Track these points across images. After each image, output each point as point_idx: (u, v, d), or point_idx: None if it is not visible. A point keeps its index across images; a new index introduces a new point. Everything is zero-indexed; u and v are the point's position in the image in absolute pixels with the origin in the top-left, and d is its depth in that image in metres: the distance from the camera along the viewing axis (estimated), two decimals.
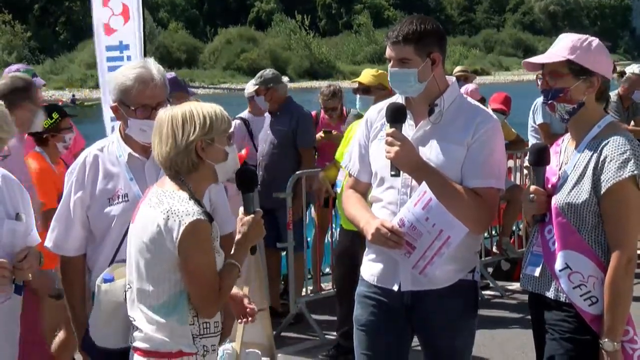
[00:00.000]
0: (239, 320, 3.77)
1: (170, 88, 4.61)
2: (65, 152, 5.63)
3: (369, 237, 3.69)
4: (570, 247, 3.50)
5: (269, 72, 7.86)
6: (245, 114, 8.11)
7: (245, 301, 3.71)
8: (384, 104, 3.83)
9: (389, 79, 3.76)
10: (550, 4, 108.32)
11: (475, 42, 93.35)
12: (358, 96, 6.56)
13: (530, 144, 9.47)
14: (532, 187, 3.61)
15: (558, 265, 3.51)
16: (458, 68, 10.96)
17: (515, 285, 8.68)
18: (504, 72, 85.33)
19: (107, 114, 6.66)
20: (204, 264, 3.20)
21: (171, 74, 5.98)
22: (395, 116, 3.69)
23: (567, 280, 3.50)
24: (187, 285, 3.22)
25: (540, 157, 3.64)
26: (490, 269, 9.05)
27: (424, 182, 3.58)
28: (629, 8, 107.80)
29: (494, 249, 9.36)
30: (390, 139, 3.63)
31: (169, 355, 3.23)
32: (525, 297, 8.90)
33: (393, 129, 3.65)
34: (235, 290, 3.61)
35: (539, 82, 3.62)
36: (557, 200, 3.54)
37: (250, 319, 3.71)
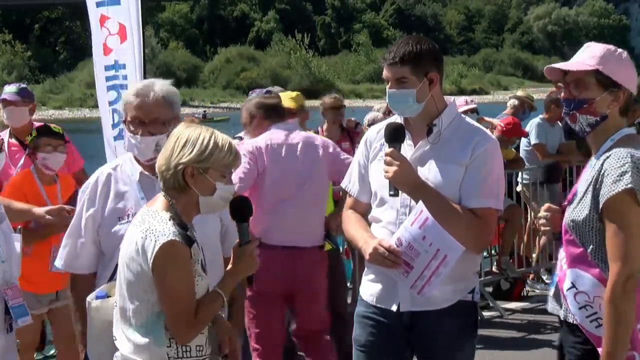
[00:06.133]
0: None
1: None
2: (48, 172, 5.60)
3: (366, 256, 3.68)
4: (576, 266, 3.34)
5: (277, 89, 7.92)
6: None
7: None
8: (383, 125, 3.83)
9: (387, 100, 3.77)
10: (549, 24, 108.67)
11: (474, 62, 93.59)
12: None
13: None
14: (546, 205, 3.53)
15: (565, 284, 3.37)
16: (520, 92, 10.79)
17: (515, 305, 8.65)
18: (502, 91, 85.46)
19: (108, 133, 6.64)
20: (177, 285, 3.12)
21: None
22: (394, 136, 3.68)
23: (574, 301, 3.34)
24: (162, 307, 3.16)
25: (551, 175, 3.57)
26: (489, 289, 9.02)
27: (420, 202, 3.58)
28: (627, 28, 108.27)
29: (494, 269, 9.34)
30: (388, 158, 3.62)
31: None
32: (525, 317, 8.81)
33: (391, 149, 3.64)
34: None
35: (562, 92, 3.44)
36: (565, 217, 3.40)
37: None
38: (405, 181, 3.61)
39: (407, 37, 3.75)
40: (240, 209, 3.35)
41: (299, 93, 6.73)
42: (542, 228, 3.57)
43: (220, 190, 3.22)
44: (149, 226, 3.15)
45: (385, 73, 3.71)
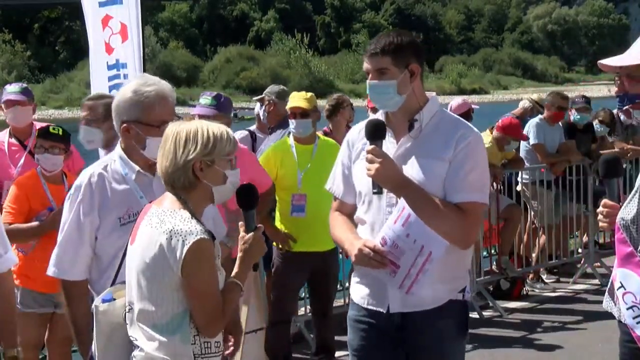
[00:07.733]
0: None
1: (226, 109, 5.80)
2: (45, 173, 5.61)
3: (352, 258, 3.62)
4: (625, 265, 3.27)
5: (277, 87, 7.92)
6: (253, 127, 8.12)
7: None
8: (363, 124, 3.75)
9: (367, 92, 3.70)
10: (549, 23, 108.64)
11: (474, 61, 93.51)
12: (295, 121, 6.43)
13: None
14: (603, 201, 3.44)
15: (616, 283, 3.31)
16: (534, 96, 10.83)
17: (515, 304, 8.64)
18: (502, 90, 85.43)
19: None
20: (208, 283, 3.17)
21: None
22: (375, 133, 3.61)
23: (622, 300, 3.28)
24: (191, 305, 3.18)
25: (611, 169, 3.44)
26: (489, 288, 9.02)
27: (402, 199, 3.52)
28: (627, 27, 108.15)
29: (493, 268, 9.35)
30: (370, 156, 3.55)
31: None
32: (524, 317, 8.77)
33: (373, 146, 3.57)
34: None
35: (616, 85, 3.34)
36: (618, 216, 3.31)
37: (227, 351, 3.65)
38: (387, 178, 3.54)
39: (388, 31, 3.71)
40: (247, 196, 3.38)
41: (312, 94, 6.66)
42: (600, 224, 3.49)
43: (230, 177, 3.28)
44: (172, 227, 3.15)
45: (365, 65, 3.66)
